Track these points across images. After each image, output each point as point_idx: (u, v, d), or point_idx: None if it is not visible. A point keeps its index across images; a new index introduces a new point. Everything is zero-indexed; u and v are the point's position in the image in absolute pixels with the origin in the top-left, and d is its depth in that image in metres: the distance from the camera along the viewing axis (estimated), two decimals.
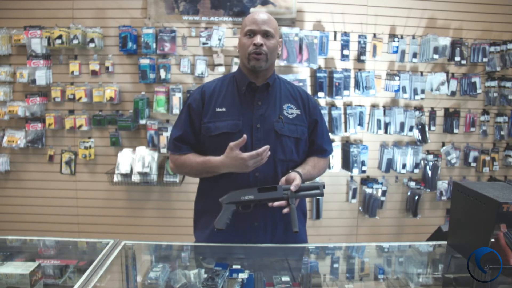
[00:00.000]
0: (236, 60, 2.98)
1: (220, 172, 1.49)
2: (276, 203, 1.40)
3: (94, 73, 2.97)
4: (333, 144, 3.10)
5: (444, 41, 3.07)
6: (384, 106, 3.17)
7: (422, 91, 3.10)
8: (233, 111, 1.54)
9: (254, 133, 1.52)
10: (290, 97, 1.61)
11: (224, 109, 1.54)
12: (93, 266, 1.26)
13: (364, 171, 3.12)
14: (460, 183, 1.39)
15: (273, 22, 1.53)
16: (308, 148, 1.65)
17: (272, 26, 1.51)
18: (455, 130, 3.21)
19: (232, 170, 1.45)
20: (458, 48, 3.11)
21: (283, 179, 1.46)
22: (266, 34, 1.49)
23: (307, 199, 3.15)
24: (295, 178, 1.44)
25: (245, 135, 1.40)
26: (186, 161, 1.56)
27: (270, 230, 1.55)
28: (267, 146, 1.40)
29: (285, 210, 1.41)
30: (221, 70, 2.98)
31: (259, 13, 1.53)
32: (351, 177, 3.21)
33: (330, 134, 3.07)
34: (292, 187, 1.40)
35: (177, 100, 2.93)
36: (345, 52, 3.05)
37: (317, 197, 3.13)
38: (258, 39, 1.47)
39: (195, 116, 1.57)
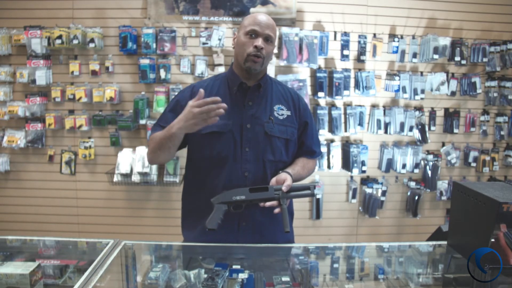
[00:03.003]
0: None
1: (175, 134, 1.39)
2: (268, 203, 1.41)
3: (94, 73, 2.97)
4: (333, 144, 3.11)
5: (444, 41, 3.07)
6: (384, 106, 3.17)
7: (422, 91, 3.10)
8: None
9: (244, 133, 1.52)
10: (281, 98, 1.61)
11: None
12: (93, 266, 1.26)
13: (364, 171, 3.12)
14: (460, 183, 1.39)
15: (274, 28, 1.53)
16: (298, 149, 1.65)
17: (273, 31, 1.51)
18: (455, 130, 3.21)
19: (182, 127, 1.36)
20: (458, 48, 3.11)
21: (273, 179, 1.46)
22: (267, 39, 1.49)
23: (307, 199, 3.18)
24: (286, 178, 1.44)
25: (202, 90, 1.34)
26: (154, 137, 1.51)
27: (258, 230, 1.56)
28: (217, 98, 1.32)
29: (277, 210, 1.41)
30: (221, 70, 2.98)
31: (263, 16, 1.51)
32: (351, 177, 3.21)
33: (330, 134, 3.08)
34: (284, 188, 1.41)
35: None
36: (345, 52, 3.05)
37: (315, 197, 3.13)
38: (260, 42, 1.47)
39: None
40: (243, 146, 1.52)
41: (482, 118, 3.26)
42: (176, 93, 2.89)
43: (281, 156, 1.56)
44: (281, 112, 1.58)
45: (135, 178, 2.90)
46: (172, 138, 1.41)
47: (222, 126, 1.51)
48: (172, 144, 1.44)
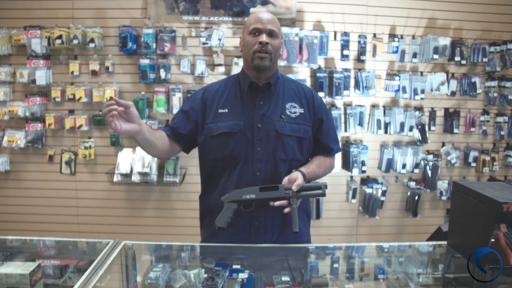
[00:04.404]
0: (236, 60, 2.98)
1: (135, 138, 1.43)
2: (277, 203, 1.40)
3: (94, 73, 2.97)
4: None
5: (444, 41, 3.07)
6: (384, 106, 3.17)
7: (422, 91, 3.10)
8: (235, 112, 1.54)
9: (255, 133, 1.52)
10: (293, 96, 1.61)
11: (226, 110, 1.55)
12: (93, 266, 1.26)
13: (364, 171, 3.12)
14: (460, 183, 1.39)
15: (277, 22, 1.53)
16: (314, 147, 1.64)
17: (276, 26, 1.52)
18: (455, 130, 3.21)
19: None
20: (458, 48, 3.11)
21: (285, 178, 1.46)
22: (271, 34, 1.49)
23: (308, 199, 3.17)
24: (297, 177, 1.43)
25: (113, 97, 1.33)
26: None
27: (270, 229, 1.56)
28: (129, 103, 1.33)
29: (286, 210, 1.40)
30: (221, 70, 2.98)
31: (264, 13, 1.53)
32: (351, 177, 3.21)
33: None
34: (294, 187, 1.40)
35: (177, 100, 2.93)
36: (345, 52, 3.05)
37: (319, 197, 3.13)
38: (264, 37, 1.47)
39: (192, 115, 1.59)
40: (254, 145, 1.52)
41: (482, 118, 3.26)
42: (176, 93, 2.93)
43: (294, 155, 1.56)
44: (294, 110, 1.57)
45: (135, 178, 2.90)
46: (138, 142, 1.46)
47: (233, 127, 1.52)
48: (138, 142, 1.46)
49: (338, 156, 3.12)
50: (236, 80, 1.62)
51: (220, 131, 1.52)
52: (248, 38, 1.51)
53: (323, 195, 1.45)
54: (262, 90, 1.56)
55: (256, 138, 1.52)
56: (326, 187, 1.45)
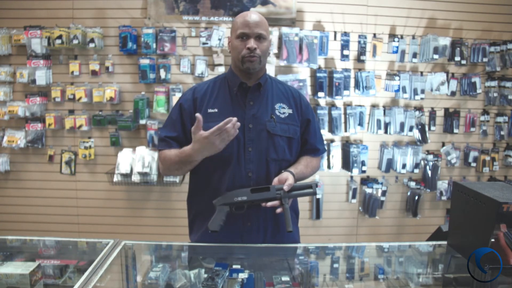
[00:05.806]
0: None
1: (197, 160, 1.45)
2: (270, 203, 1.40)
3: (94, 73, 2.97)
4: (333, 144, 3.11)
5: (444, 41, 3.07)
6: (384, 106, 3.17)
7: (422, 91, 3.10)
8: (225, 112, 1.52)
9: (246, 133, 1.52)
10: (282, 97, 1.61)
11: (216, 110, 1.53)
12: (93, 266, 1.26)
13: (364, 171, 3.12)
14: (460, 183, 1.39)
15: (264, 23, 1.52)
16: (301, 148, 1.65)
17: (264, 28, 1.51)
18: (455, 130, 3.21)
19: (205, 154, 1.41)
20: (458, 48, 3.11)
21: (275, 179, 1.46)
22: (259, 37, 1.49)
23: (307, 199, 3.18)
24: (287, 178, 1.44)
25: (199, 115, 1.35)
26: (167, 155, 1.54)
27: (263, 230, 1.56)
28: (230, 118, 1.34)
29: (278, 210, 1.41)
30: (221, 70, 2.98)
31: (251, 15, 1.51)
32: (351, 177, 3.21)
33: (330, 134, 3.08)
34: (285, 187, 1.40)
35: (177, 100, 2.93)
36: (345, 52, 3.05)
37: (315, 197, 3.13)
38: (252, 43, 1.47)
39: (186, 117, 1.56)
40: (246, 146, 1.51)
41: (482, 118, 3.26)
42: (176, 93, 2.93)
43: (285, 155, 1.56)
44: (283, 110, 1.58)
45: (135, 178, 2.90)
46: (194, 163, 1.49)
47: None
48: (192, 166, 1.51)
49: (338, 156, 3.13)
50: (225, 80, 1.61)
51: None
52: (236, 42, 1.50)
53: (314, 193, 1.45)
54: (252, 91, 1.55)
55: (247, 139, 1.51)
56: (316, 185, 1.46)
